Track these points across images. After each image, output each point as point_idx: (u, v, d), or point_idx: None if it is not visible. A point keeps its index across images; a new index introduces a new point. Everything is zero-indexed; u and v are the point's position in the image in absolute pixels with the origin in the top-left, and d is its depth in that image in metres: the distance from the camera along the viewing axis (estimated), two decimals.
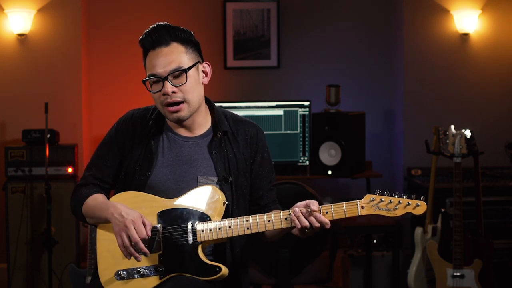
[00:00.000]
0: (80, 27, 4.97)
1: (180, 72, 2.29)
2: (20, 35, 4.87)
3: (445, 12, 5.12)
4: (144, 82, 2.34)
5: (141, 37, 2.34)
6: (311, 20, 5.35)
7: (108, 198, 2.43)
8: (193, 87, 2.33)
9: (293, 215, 2.22)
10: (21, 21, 4.84)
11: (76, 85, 4.96)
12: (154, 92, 2.32)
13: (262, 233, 2.38)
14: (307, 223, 2.20)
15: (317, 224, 2.20)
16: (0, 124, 4.92)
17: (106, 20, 5.27)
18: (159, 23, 2.34)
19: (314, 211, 2.20)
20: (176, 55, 2.30)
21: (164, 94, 2.29)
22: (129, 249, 2.23)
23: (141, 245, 2.22)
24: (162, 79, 2.29)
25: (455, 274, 4.07)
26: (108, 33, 5.26)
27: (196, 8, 5.30)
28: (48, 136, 4.48)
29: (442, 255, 4.16)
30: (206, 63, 2.41)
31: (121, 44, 5.23)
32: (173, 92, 2.29)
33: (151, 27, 2.34)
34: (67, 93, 4.94)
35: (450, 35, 5.14)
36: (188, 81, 2.30)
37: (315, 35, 5.35)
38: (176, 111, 2.32)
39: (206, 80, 2.40)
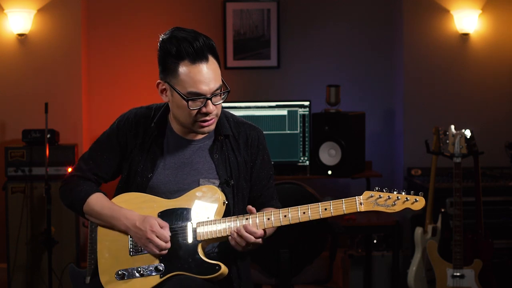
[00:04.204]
0: (80, 27, 4.97)
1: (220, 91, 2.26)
2: (20, 35, 4.87)
3: (445, 12, 5.12)
4: (186, 99, 2.22)
5: (174, 43, 2.20)
6: (311, 20, 5.35)
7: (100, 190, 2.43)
8: None
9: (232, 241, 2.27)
10: (21, 21, 4.84)
11: (76, 85, 4.96)
12: (191, 109, 2.24)
13: None
14: (244, 243, 2.25)
15: (253, 239, 2.24)
16: (0, 124, 4.92)
17: (106, 20, 5.26)
18: (188, 31, 2.22)
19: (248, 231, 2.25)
20: (216, 73, 2.25)
21: (203, 113, 2.25)
22: (164, 252, 2.28)
23: (169, 245, 2.28)
24: (206, 98, 2.24)
25: (455, 274, 4.07)
26: (108, 33, 5.25)
27: (196, 8, 5.30)
28: (48, 136, 4.48)
29: (442, 255, 4.16)
30: None
31: (121, 44, 5.22)
32: None
33: (182, 34, 2.20)
34: (67, 93, 4.95)
35: (450, 35, 5.14)
36: None
37: (315, 35, 5.34)
38: (209, 126, 2.30)
39: None
